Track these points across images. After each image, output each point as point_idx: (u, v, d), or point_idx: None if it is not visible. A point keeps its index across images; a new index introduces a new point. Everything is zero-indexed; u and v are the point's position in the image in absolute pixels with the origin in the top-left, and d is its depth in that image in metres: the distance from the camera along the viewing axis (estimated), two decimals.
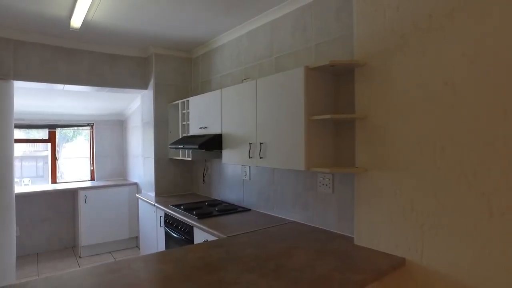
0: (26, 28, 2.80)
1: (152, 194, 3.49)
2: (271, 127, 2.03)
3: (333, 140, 1.92)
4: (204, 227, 2.24)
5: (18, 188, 3.84)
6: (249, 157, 2.20)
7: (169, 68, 3.50)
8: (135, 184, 4.27)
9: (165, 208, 2.85)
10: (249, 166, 2.77)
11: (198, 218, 2.43)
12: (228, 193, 3.07)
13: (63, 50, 3.11)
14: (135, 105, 4.30)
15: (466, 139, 1.33)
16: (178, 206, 2.84)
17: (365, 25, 1.71)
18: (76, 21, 2.51)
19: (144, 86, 3.58)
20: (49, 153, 4.45)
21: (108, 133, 4.67)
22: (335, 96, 1.94)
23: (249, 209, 2.73)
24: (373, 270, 1.43)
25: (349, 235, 1.92)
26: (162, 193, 3.48)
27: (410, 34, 1.52)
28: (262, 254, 1.64)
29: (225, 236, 2.00)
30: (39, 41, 2.98)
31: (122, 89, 3.55)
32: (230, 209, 2.72)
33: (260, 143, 2.11)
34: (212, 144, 2.51)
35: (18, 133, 4.25)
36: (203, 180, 3.41)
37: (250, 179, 2.78)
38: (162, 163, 3.48)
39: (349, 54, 1.91)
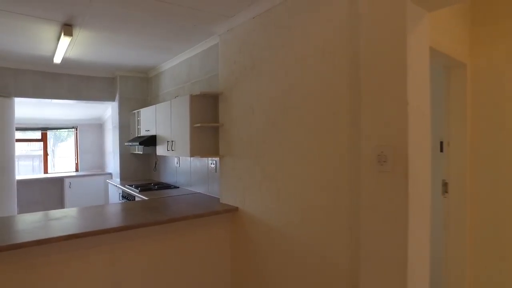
0: (23, 61, 3.98)
1: (118, 180, 4.68)
2: (176, 130, 3.22)
3: (211, 138, 3.10)
4: (139, 195, 3.43)
5: (18, 177, 5.01)
6: (167, 150, 3.40)
7: (130, 85, 4.69)
8: (110, 173, 5.46)
9: (122, 187, 4.05)
10: (179, 157, 3.96)
11: (139, 191, 3.62)
12: (168, 177, 4.27)
13: (49, 74, 4.29)
14: (109, 112, 5.49)
15: (261, 141, 2.52)
16: (130, 185, 4.03)
17: (223, 70, 2.89)
18: (57, 59, 3.68)
19: (112, 99, 4.76)
20: (42, 150, 5.64)
21: (89, 134, 5.86)
22: (215, 110, 3.11)
23: (178, 187, 3.93)
24: (214, 211, 2.63)
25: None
26: (126, 179, 4.66)
27: (239, 77, 2.70)
28: (162, 205, 2.84)
29: (147, 199, 3.20)
30: (32, 68, 4.16)
31: (95, 101, 4.74)
32: (165, 187, 3.92)
33: (172, 141, 3.30)
34: (149, 142, 3.70)
35: (17, 134, 5.42)
36: (154, 168, 4.62)
37: (179, 166, 3.97)
38: (125, 157, 4.67)
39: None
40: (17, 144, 4.42)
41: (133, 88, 4.73)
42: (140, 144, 3.65)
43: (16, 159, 4.31)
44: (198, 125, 2.91)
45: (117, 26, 2.86)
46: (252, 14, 2.48)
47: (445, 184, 2.43)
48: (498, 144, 2.19)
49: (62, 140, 6.09)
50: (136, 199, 3.58)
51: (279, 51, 2.25)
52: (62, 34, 2.84)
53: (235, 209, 2.72)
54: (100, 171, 5.71)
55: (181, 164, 3.94)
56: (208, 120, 3.01)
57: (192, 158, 3.68)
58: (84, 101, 4.66)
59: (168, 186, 3.96)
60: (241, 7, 2.47)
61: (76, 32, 2.94)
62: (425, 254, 1.61)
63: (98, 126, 5.99)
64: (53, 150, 5.91)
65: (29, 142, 5.77)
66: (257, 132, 2.49)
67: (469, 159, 2.33)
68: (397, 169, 1.49)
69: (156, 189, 3.79)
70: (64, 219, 2.36)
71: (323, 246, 1.95)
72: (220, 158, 2.94)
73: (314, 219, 2.01)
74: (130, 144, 3.98)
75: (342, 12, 1.78)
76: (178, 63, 3.95)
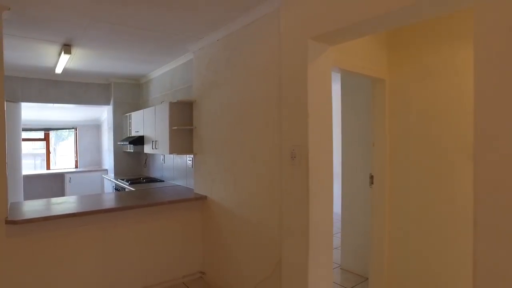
0: (29, 71, 4.56)
1: (113, 175, 5.26)
2: (159, 132, 3.79)
3: (187, 138, 3.67)
4: (128, 187, 4.02)
5: (23, 172, 5.60)
6: (152, 148, 3.97)
7: (123, 91, 5.27)
8: (106, 170, 6.05)
9: (115, 181, 4.64)
10: (164, 155, 4.54)
11: (129, 184, 4.21)
12: (156, 172, 4.85)
13: (52, 82, 4.88)
14: (106, 114, 6.07)
15: (223, 141, 3.09)
16: (122, 179, 4.62)
17: (196, 82, 3.47)
18: (59, 70, 4.26)
19: (107, 103, 5.34)
20: (45, 149, 6.24)
21: (88, 134, 6.45)
22: (190, 115, 3.68)
23: (163, 181, 4.51)
24: (185, 198, 3.21)
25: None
26: (119, 174, 5.25)
27: (207, 88, 3.27)
28: (145, 194, 3.42)
29: (134, 189, 3.78)
30: (37, 77, 4.75)
31: (92, 105, 5.32)
32: (152, 180, 4.51)
33: (156, 141, 3.88)
34: (138, 141, 4.28)
35: (22, 134, 6.01)
36: (144, 165, 5.20)
37: (165, 163, 4.56)
38: (119, 155, 5.26)
39: None
40: (23, 142, 5.00)
41: (126, 93, 5.31)
42: (130, 143, 4.23)
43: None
44: (175, 127, 3.48)
45: (108, 46, 3.44)
46: (217, 37, 3.05)
47: (371, 177, 3.00)
48: (407, 145, 2.76)
49: (63, 140, 6.71)
50: (126, 190, 4.15)
51: (235, 69, 2.82)
52: (63, 52, 3.42)
53: (205, 197, 3.29)
54: (97, 168, 6.30)
55: (166, 161, 4.52)
56: (184, 123, 3.58)
57: (174, 155, 4.26)
58: (83, 105, 5.24)
59: (155, 180, 4.54)
60: (207, 32, 3.05)
61: (74, 50, 3.52)
62: (328, 224, 2.18)
63: (96, 127, 6.58)
64: (54, 149, 6.51)
65: (33, 142, 6.36)
66: (219, 134, 3.06)
67: (389, 157, 2.90)
68: (302, 163, 2.07)
69: (144, 182, 4.38)
70: (64, 204, 2.94)
71: (263, 222, 2.52)
72: (194, 155, 3.51)
73: (257, 201, 2.58)
74: (122, 143, 4.58)
75: (275, 41, 2.35)
76: (164, 72, 4.53)
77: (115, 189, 4.64)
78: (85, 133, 6.44)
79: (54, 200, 3.15)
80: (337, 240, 4.25)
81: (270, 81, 2.40)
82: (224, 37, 2.97)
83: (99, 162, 6.55)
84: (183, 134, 3.59)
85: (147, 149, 4.18)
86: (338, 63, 2.46)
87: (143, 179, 4.65)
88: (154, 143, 3.93)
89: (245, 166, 2.72)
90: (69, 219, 2.60)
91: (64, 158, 6.52)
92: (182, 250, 3.24)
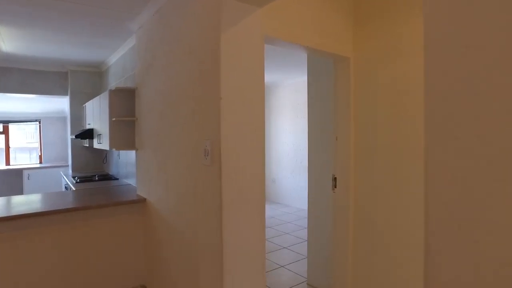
0: None
1: (71, 172, 4.82)
2: (102, 124, 3.32)
3: (130, 131, 3.20)
4: (72, 186, 3.57)
5: None
6: (97, 143, 3.51)
7: (82, 80, 4.80)
8: (68, 166, 5.61)
9: (66, 179, 4.19)
10: (119, 151, 4.07)
11: (76, 182, 3.76)
12: (113, 169, 4.40)
13: None
14: None
15: (156, 134, 2.61)
16: (74, 176, 4.17)
17: (138, 65, 2.98)
18: None
19: (65, 93, 4.88)
20: (3, 143, 5.81)
21: (53, 127, 6.01)
22: (133, 105, 3.21)
23: (118, 178, 4.06)
24: (121, 201, 2.74)
25: None
26: (78, 170, 4.81)
27: (146, 73, 2.79)
28: (84, 196, 2.96)
29: (75, 189, 3.33)
30: None
31: (49, 96, 4.87)
32: (107, 178, 4.05)
33: (100, 134, 3.41)
34: (85, 135, 3.82)
35: None
36: (104, 161, 4.75)
37: (120, 159, 4.09)
38: (77, 149, 4.81)
39: None
40: None
41: (85, 82, 4.84)
42: (76, 137, 3.77)
43: None
44: (115, 119, 3.01)
45: (33, 24, 2.96)
46: (153, 11, 2.56)
47: (334, 179, 2.51)
48: (375, 138, 2.26)
49: (25, 133, 6.26)
50: (69, 190, 3.71)
51: (166, 48, 2.33)
52: None
53: (144, 200, 2.83)
54: (64, 163, 5.86)
55: (121, 156, 4.06)
56: (127, 114, 3.11)
57: (130, 151, 3.79)
58: (38, 95, 4.78)
59: (109, 178, 4.08)
60: (141, 4, 2.55)
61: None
62: (256, 243, 1.70)
63: (62, 119, 6.13)
64: (15, 143, 6.08)
65: None
66: (154, 126, 2.59)
67: (354, 152, 2.40)
68: (214, 161, 1.58)
69: (97, 180, 3.92)
70: None
71: (186, 232, 2.05)
72: (136, 151, 3.04)
73: (184, 203, 2.11)
74: (72, 137, 4.11)
75: (203, 12, 1.86)
76: (118, 58, 4.05)
77: (65, 187, 4.20)
78: (50, 126, 6.00)
79: None
80: (303, 248, 3.79)
81: (195, 60, 1.91)
82: (157, 10, 2.48)
83: (65, 157, 6.11)
84: (125, 126, 3.11)
85: (96, 143, 3.72)
86: (283, 36, 1.96)
87: (97, 176, 4.20)
88: (99, 136, 3.47)
89: (175, 164, 2.24)
90: None
91: (26, 153, 6.09)
92: (119, 262, 2.78)
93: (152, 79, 2.64)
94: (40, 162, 5.95)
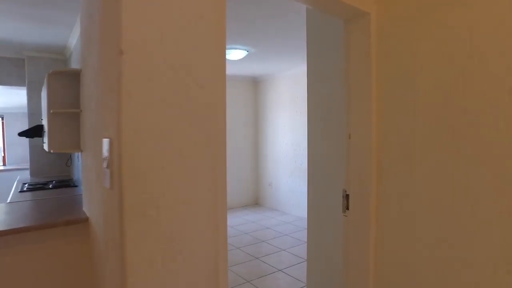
0: None
1: (29, 177, 4.09)
2: (44, 118, 2.59)
3: (75, 128, 2.46)
4: (12, 197, 2.84)
5: None
6: (43, 142, 2.78)
7: (42, 68, 4.06)
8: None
9: (13, 187, 3.47)
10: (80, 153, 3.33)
11: (20, 191, 3.03)
12: (76, 174, 3.66)
13: None
14: None
15: (95, 128, 1.87)
16: (25, 183, 3.45)
17: (81, 43, 2.25)
18: None
19: (22, 83, 4.15)
20: None
21: (18, 124, 5.28)
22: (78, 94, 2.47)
23: (77, 186, 3.32)
24: (61, 220, 2.01)
25: None
26: (37, 174, 4.08)
27: (88, 49, 2.05)
28: (21, 209, 2.23)
29: (8, 202, 2.59)
30: None
31: (5, 86, 4.13)
32: (64, 185, 3.32)
33: (45, 131, 2.67)
34: (32, 133, 3.08)
35: None
36: (67, 163, 4.01)
37: (79, 161, 3.35)
38: (37, 150, 4.07)
39: None
40: None
41: (46, 71, 4.09)
42: (20, 135, 3.04)
43: None
44: (53, 111, 2.28)
45: None
46: None
47: (346, 196, 1.76)
48: (411, 133, 1.51)
49: None
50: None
51: (101, 15, 1.59)
52: None
53: (85, 219, 2.09)
54: (27, 166, 5.13)
55: (81, 159, 3.32)
56: (70, 104, 2.37)
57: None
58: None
59: (68, 185, 3.35)
60: None
61: None
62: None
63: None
64: None
65: None
66: (92, 120, 1.85)
67: (377, 159, 1.66)
68: (114, 175, 0.84)
69: (50, 188, 3.19)
70: None
71: None
72: (81, 153, 2.31)
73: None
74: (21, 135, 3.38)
75: None
76: (77, 38, 3.31)
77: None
78: (14, 122, 5.27)
79: None
80: (302, 272, 3.07)
81: None
82: None
83: None
84: (68, 121, 2.38)
85: (42, 143, 2.99)
86: None
87: (53, 183, 3.47)
88: (44, 133, 2.74)
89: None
90: None
91: None
92: None
93: (92, 57, 1.90)
94: (4, 164, 5.22)
